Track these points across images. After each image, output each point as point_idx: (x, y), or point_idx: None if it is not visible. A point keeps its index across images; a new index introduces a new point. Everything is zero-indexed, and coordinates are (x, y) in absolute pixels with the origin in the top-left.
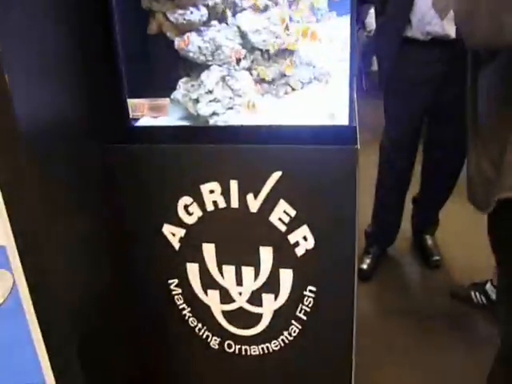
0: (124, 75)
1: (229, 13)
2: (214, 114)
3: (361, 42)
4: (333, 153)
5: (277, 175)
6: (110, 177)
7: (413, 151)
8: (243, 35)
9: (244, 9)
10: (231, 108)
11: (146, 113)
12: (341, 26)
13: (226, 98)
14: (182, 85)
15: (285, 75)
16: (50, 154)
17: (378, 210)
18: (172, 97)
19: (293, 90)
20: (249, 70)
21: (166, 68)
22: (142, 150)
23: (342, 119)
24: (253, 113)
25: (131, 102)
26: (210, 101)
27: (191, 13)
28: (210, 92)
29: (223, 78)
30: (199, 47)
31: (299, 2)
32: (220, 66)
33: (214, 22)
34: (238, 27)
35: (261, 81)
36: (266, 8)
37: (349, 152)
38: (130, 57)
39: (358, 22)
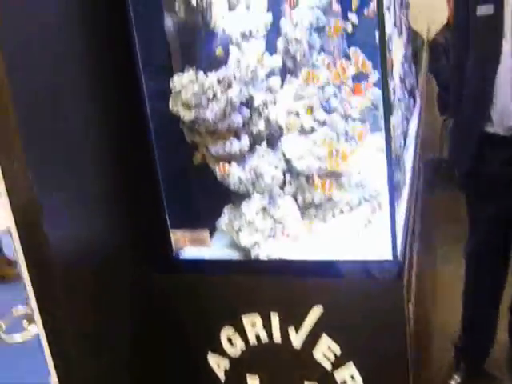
0: (166, 207)
1: (274, 137)
2: (256, 244)
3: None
4: (376, 288)
5: (318, 309)
6: (153, 304)
7: (503, 255)
8: (287, 161)
9: (289, 131)
10: (273, 236)
11: (187, 244)
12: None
13: (267, 227)
14: (227, 212)
15: (331, 199)
16: (88, 281)
17: (467, 321)
18: (217, 224)
19: (341, 212)
20: (294, 195)
21: (211, 197)
22: (186, 280)
23: (387, 253)
24: (295, 242)
25: (173, 234)
26: (251, 231)
27: (231, 144)
28: (251, 223)
29: (264, 208)
30: (239, 178)
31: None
32: (261, 193)
33: (258, 147)
34: (283, 153)
35: (307, 206)
36: (312, 130)
37: (394, 288)
38: (173, 188)
39: (446, 111)
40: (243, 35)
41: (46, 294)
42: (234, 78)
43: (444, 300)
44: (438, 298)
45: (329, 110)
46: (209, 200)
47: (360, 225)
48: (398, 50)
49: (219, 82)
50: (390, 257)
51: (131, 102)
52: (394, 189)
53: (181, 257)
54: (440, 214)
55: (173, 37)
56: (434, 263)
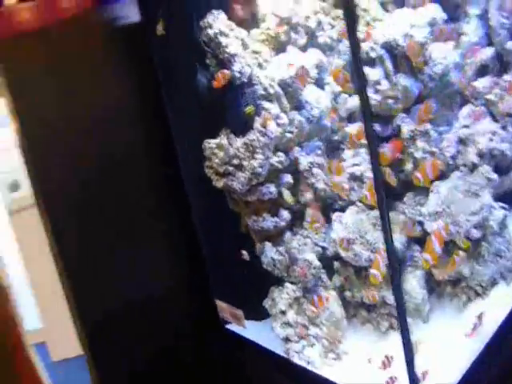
0: (210, 274)
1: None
2: (288, 339)
3: None
4: None
5: None
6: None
7: None
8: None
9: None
10: (305, 338)
11: (228, 317)
12: None
13: (299, 325)
14: (271, 293)
15: (388, 304)
16: None
17: None
18: (263, 304)
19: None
20: (341, 289)
21: (257, 273)
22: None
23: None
24: (330, 353)
25: (218, 303)
26: (284, 323)
27: (263, 220)
28: (283, 313)
29: (297, 300)
30: (273, 259)
31: None
32: (295, 283)
33: (305, 223)
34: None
35: (356, 306)
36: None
37: None
38: (216, 255)
39: None
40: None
41: None
42: (259, 143)
43: None
44: None
45: None
46: (255, 275)
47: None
48: None
49: (247, 147)
50: None
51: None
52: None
53: (227, 327)
54: None
55: (205, 95)
56: None
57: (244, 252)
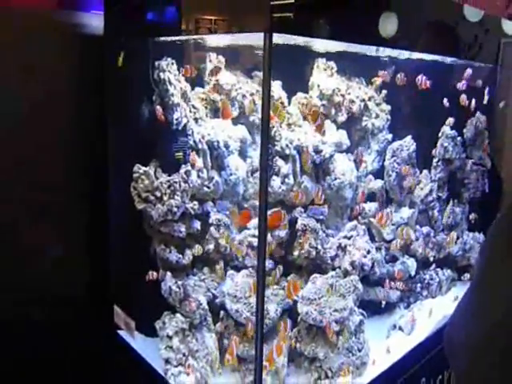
0: (115, 282)
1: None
2: (168, 361)
3: None
4: None
5: None
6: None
7: None
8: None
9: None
10: (183, 365)
11: (121, 324)
12: None
13: (181, 353)
14: (163, 317)
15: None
16: None
17: None
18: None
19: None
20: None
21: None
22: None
23: None
24: None
25: (116, 309)
26: (168, 346)
27: (170, 252)
28: (169, 337)
29: (183, 331)
30: (170, 289)
31: None
32: (185, 316)
33: (205, 269)
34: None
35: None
36: None
37: None
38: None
39: None
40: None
41: None
42: (180, 187)
43: None
44: None
45: None
46: (153, 296)
47: None
48: None
49: (169, 186)
50: None
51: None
52: None
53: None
54: None
55: (145, 125)
56: None
57: (152, 273)
